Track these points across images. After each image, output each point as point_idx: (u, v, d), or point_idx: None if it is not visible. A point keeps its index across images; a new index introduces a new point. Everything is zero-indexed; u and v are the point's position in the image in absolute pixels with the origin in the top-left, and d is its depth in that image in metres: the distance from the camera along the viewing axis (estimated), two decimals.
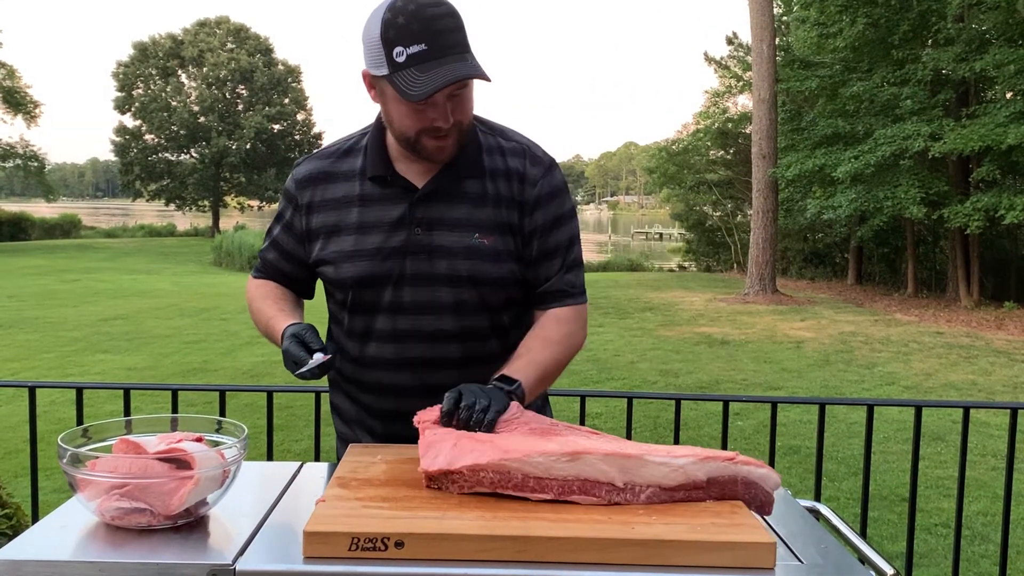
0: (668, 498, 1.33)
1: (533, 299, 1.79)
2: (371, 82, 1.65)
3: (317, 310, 1.89)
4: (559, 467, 1.32)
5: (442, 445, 1.39)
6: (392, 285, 1.70)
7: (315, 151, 1.86)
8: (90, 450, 1.35)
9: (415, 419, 1.51)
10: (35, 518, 2.84)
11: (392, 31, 1.54)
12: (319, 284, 1.89)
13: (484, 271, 1.70)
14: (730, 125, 26.28)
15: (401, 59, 1.54)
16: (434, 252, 1.70)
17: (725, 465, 1.35)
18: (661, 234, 54.69)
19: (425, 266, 1.70)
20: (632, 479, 1.33)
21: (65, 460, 1.29)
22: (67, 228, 39.54)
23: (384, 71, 1.57)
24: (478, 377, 1.68)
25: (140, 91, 41.41)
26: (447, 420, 1.48)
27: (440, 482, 1.36)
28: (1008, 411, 2.90)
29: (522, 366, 1.67)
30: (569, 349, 1.78)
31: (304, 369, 1.57)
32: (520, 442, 1.38)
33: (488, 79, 1.58)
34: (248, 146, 40.84)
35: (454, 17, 1.57)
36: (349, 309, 1.75)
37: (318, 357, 1.57)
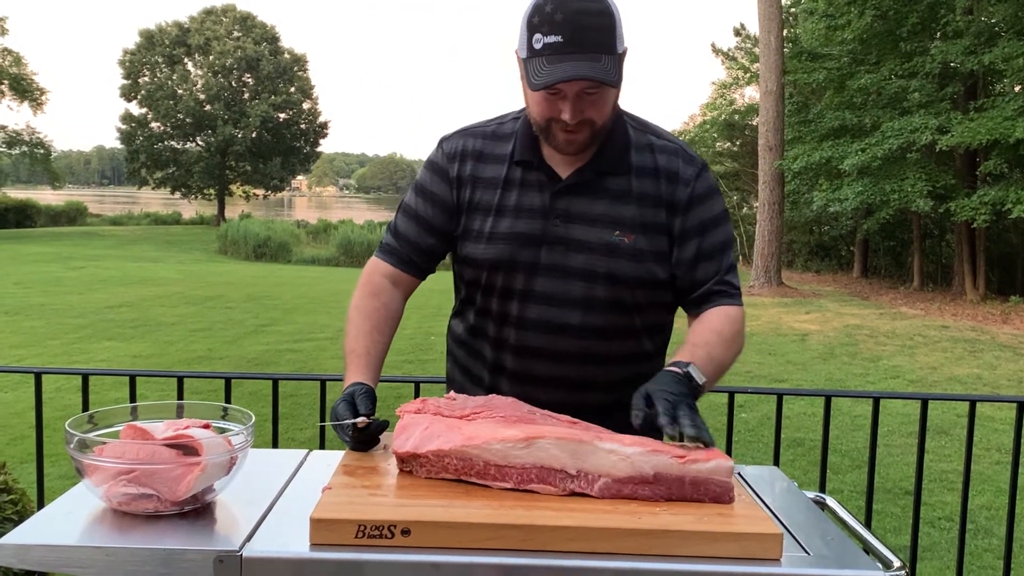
0: (618, 491, 1.30)
1: (691, 300, 1.73)
2: (520, 62, 1.62)
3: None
4: (515, 453, 1.31)
5: (414, 429, 1.40)
6: (525, 273, 1.69)
7: (465, 128, 1.80)
8: (97, 436, 1.35)
9: (397, 411, 1.49)
10: (40, 504, 2.85)
11: (537, 17, 1.52)
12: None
13: (622, 269, 1.66)
14: (737, 117, 26.22)
15: (538, 46, 1.52)
16: (571, 245, 1.67)
17: (672, 463, 1.31)
18: None
19: (561, 258, 1.68)
20: (583, 467, 1.31)
21: (72, 446, 1.29)
22: (73, 215, 39.58)
23: (524, 54, 1.56)
24: (596, 376, 1.68)
25: (146, 79, 41.34)
26: (645, 429, 1.39)
27: (409, 464, 1.38)
28: (1014, 405, 2.90)
29: (702, 358, 1.56)
30: (739, 350, 1.71)
31: (339, 425, 1.50)
32: (484, 429, 1.37)
33: (612, 85, 1.54)
34: (254, 135, 40.80)
35: (604, 16, 1.51)
36: (482, 290, 1.75)
37: (355, 421, 1.49)
